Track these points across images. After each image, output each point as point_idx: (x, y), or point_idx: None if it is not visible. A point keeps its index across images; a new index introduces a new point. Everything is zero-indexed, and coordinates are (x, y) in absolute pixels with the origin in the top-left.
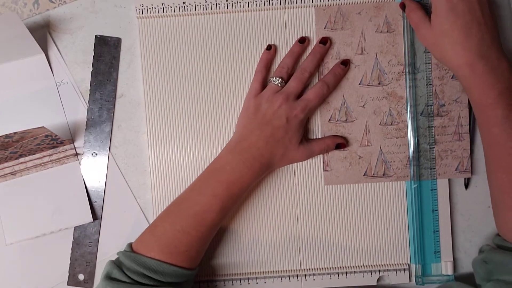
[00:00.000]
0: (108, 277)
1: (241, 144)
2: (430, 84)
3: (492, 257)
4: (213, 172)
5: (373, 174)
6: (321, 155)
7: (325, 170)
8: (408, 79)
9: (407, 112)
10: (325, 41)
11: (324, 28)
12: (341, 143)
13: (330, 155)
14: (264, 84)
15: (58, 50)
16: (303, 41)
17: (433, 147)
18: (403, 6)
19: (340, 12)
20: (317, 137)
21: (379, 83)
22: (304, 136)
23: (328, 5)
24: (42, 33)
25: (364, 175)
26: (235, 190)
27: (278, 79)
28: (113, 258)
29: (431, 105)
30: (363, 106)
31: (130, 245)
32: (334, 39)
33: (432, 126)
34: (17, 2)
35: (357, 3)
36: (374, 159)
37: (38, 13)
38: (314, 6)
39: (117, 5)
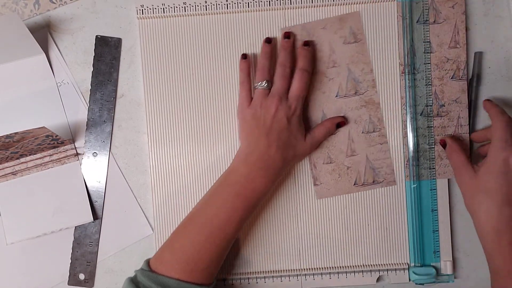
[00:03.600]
0: None
1: (252, 155)
2: (429, 85)
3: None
4: (228, 185)
5: (363, 183)
6: (308, 171)
7: (315, 184)
8: (407, 79)
9: (406, 113)
10: (288, 35)
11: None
12: (341, 122)
13: (318, 169)
14: (251, 92)
15: (59, 50)
16: (270, 41)
17: (432, 147)
18: (443, 144)
19: (306, 30)
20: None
21: (355, 93)
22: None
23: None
24: (43, 34)
25: (354, 184)
26: (252, 201)
27: (264, 82)
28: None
29: (431, 105)
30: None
31: (148, 262)
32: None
33: (432, 126)
34: (18, 2)
35: (321, 18)
36: (362, 167)
37: (38, 13)
38: (316, 6)
39: (117, 5)
